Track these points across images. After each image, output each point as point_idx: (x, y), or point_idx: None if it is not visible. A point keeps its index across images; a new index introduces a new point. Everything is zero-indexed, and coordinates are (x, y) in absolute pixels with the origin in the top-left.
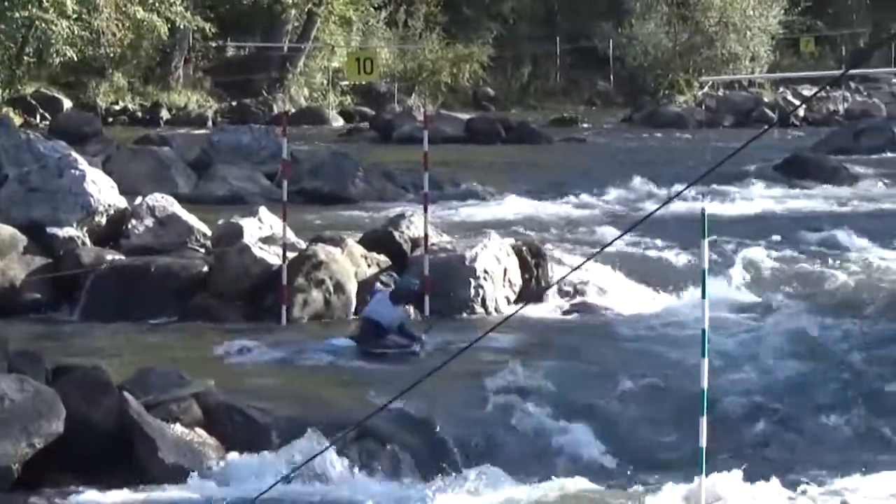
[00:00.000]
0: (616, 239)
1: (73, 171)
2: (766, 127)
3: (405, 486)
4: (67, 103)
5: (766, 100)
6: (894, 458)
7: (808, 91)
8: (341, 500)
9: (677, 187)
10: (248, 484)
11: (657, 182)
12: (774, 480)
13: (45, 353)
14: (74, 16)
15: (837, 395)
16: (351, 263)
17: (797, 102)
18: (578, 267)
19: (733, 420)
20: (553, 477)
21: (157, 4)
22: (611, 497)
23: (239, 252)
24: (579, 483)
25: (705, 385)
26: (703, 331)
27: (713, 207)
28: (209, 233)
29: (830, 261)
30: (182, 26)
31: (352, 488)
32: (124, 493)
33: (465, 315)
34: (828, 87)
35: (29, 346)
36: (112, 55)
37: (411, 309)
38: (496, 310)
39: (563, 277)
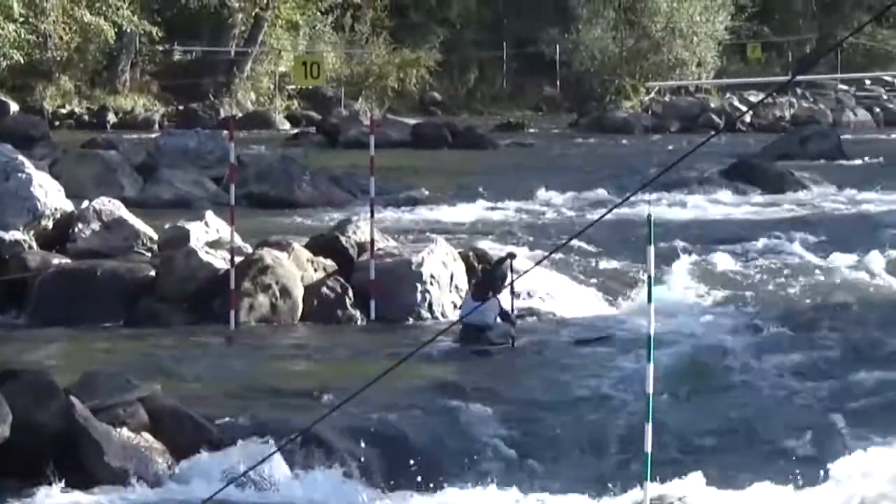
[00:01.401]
0: (563, 245)
1: (19, 174)
2: (712, 133)
3: (351, 491)
4: (14, 107)
5: (712, 105)
6: (839, 463)
7: (754, 97)
8: None
9: (624, 193)
10: (194, 488)
11: (604, 187)
12: (720, 486)
13: None
14: (21, 19)
15: (782, 400)
16: (297, 268)
17: (743, 108)
18: (525, 273)
19: (679, 425)
20: (497, 483)
21: (104, 8)
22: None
23: (185, 256)
24: (523, 490)
25: (650, 390)
26: (649, 336)
27: (660, 213)
28: (156, 237)
29: (775, 267)
30: (129, 30)
31: (298, 494)
32: (70, 497)
33: (411, 320)
34: (774, 94)
35: None
36: (59, 59)
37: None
38: (443, 315)
39: (511, 282)
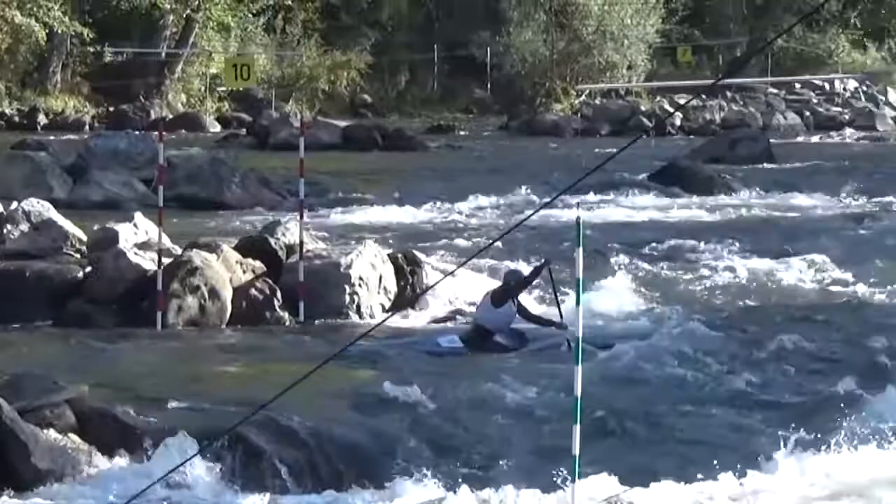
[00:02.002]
0: (488, 245)
1: None
2: (640, 135)
3: (276, 494)
4: None
5: (642, 108)
6: (765, 461)
7: (684, 100)
8: None
9: (553, 195)
10: (121, 489)
11: (533, 190)
12: (648, 486)
13: None
14: None
15: (709, 400)
16: (226, 270)
17: (670, 109)
18: (451, 273)
19: (607, 427)
20: (422, 485)
21: (35, 9)
22: None
23: (114, 257)
24: (448, 491)
25: (579, 392)
26: (577, 339)
27: (589, 216)
28: (85, 238)
29: (704, 270)
30: (60, 31)
31: (222, 493)
32: None
33: (339, 321)
34: (704, 97)
35: None
36: None
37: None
38: (371, 316)
39: (436, 284)
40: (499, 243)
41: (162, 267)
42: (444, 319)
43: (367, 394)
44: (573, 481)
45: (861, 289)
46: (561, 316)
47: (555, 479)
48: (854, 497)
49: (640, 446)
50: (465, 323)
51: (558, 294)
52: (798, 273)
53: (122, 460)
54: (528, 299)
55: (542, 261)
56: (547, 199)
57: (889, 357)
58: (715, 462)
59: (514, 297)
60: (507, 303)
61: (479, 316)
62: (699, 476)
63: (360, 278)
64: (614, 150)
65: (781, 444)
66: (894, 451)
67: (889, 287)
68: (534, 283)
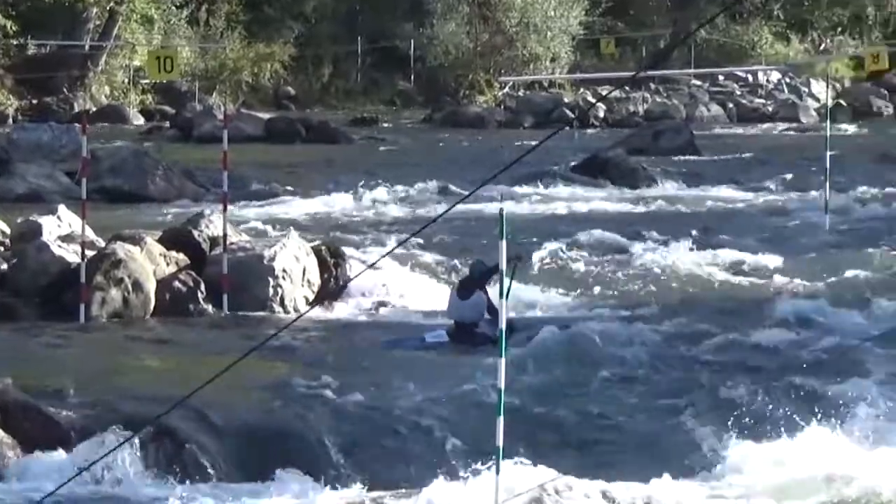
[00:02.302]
0: (409, 238)
1: None
2: (561, 127)
3: (199, 484)
4: None
5: (566, 100)
6: (690, 457)
7: (608, 92)
8: (134, 498)
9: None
10: (43, 481)
11: (456, 182)
12: (570, 480)
13: None
14: None
15: (634, 391)
16: (150, 262)
17: (598, 103)
18: (372, 265)
19: (531, 420)
20: (349, 478)
21: None
22: (405, 497)
23: (37, 250)
24: (373, 483)
25: (502, 385)
26: (501, 331)
27: (513, 208)
28: (8, 230)
29: (626, 261)
30: None
31: (144, 485)
32: None
33: (263, 314)
34: (627, 88)
35: None
36: None
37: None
38: (295, 309)
39: (357, 275)
40: (423, 235)
41: (85, 259)
42: (369, 311)
43: (290, 386)
44: (497, 473)
45: (783, 279)
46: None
47: (479, 471)
48: (783, 489)
49: (566, 439)
50: (394, 314)
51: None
52: (721, 264)
53: (45, 453)
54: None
55: (514, 256)
56: (467, 192)
57: (809, 347)
58: (640, 455)
59: (481, 288)
60: (475, 293)
61: (449, 312)
62: (624, 470)
63: (284, 271)
64: (537, 142)
65: (707, 435)
66: (822, 441)
67: (811, 278)
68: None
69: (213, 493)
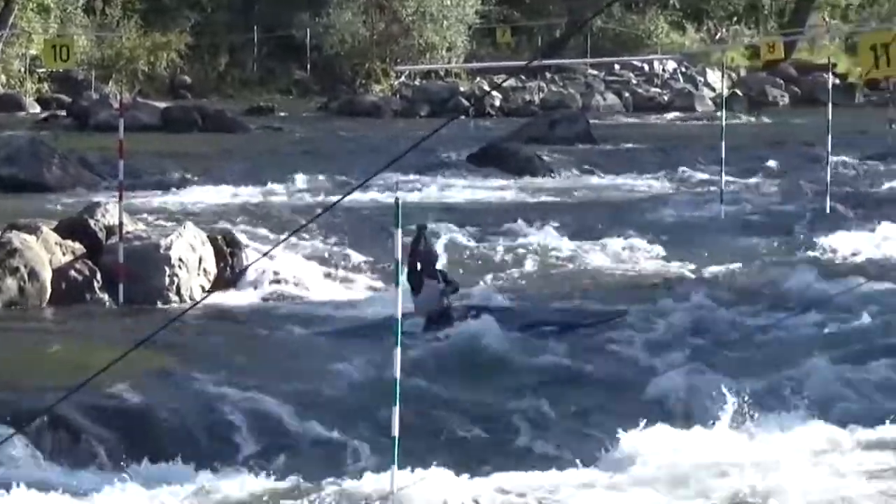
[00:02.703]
0: (304, 226)
1: None
2: (456, 115)
3: (94, 473)
4: None
5: (462, 90)
6: (586, 445)
7: (506, 82)
8: (27, 487)
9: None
10: None
11: (351, 171)
12: (468, 471)
13: None
14: None
15: (529, 382)
16: (45, 251)
17: (494, 92)
18: (267, 253)
19: (428, 409)
20: (242, 467)
21: None
22: (300, 487)
23: None
24: (270, 474)
25: (398, 374)
26: (397, 319)
27: (409, 197)
28: None
29: (523, 250)
30: None
31: (39, 474)
32: None
33: (160, 303)
34: (523, 78)
35: None
36: None
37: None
38: (191, 298)
39: (252, 263)
40: (319, 225)
41: None
42: (266, 300)
43: (184, 375)
44: (394, 462)
45: (677, 268)
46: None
47: (376, 461)
48: (679, 477)
49: (462, 428)
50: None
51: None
52: (617, 253)
53: None
54: None
55: (417, 227)
56: (362, 180)
57: (701, 336)
58: (536, 444)
59: (422, 275)
60: (423, 284)
61: (416, 311)
62: (520, 459)
63: (180, 259)
64: (431, 131)
65: (602, 422)
66: (716, 429)
67: (706, 267)
68: (420, 249)
69: (107, 480)
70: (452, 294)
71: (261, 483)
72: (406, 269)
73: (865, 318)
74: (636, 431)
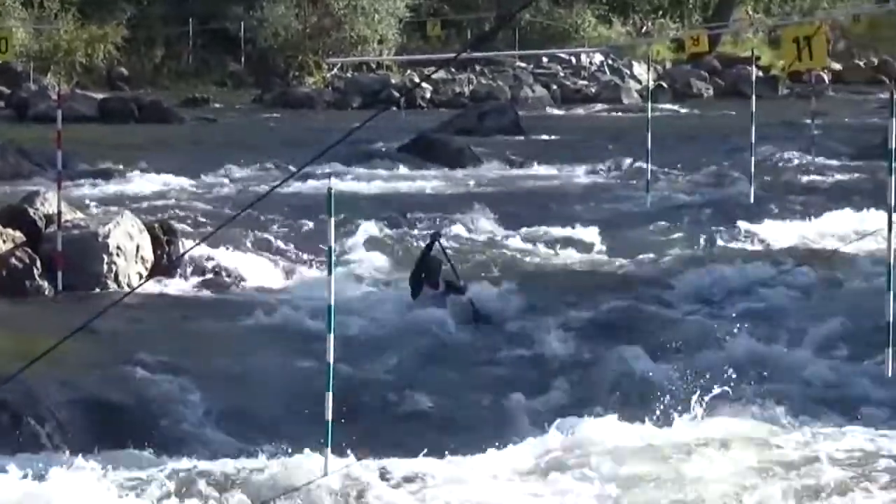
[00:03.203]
0: (237, 215)
1: None
2: (387, 107)
3: (36, 455)
4: None
5: (393, 81)
6: (517, 429)
7: (434, 75)
8: None
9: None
10: None
11: (286, 161)
12: (401, 454)
13: None
14: None
15: (461, 368)
16: None
17: (424, 84)
18: (202, 241)
19: (360, 394)
20: (180, 450)
21: None
22: (235, 469)
23: None
24: (208, 455)
25: (331, 359)
26: (329, 307)
27: (341, 187)
28: None
29: (452, 240)
30: None
31: None
32: None
33: (98, 290)
34: (453, 70)
35: None
36: None
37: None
38: (129, 285)
39: (188, 251)
40: (255, 213)
41: None
42: (201, 287)
43: (122, 360)
44: (327, 446)
45: (603, 256)
46: (458, 279)
47: (309, 445)
48: (616, 460)
49: (394, 414)
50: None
51: (451, 261)
52: (546, 242)
53: None
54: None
55: (430, 235)
56: (296, 170)
57: (628, 319)
58: (467, 428)
59: (423, 282)
60: (421, 291)
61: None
62: (456, 446)
63: (118, 247)
64: (362, 122)
65: (531, 406)
66: (636, 414)
67: (631, 255)
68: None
69: (50, 462)
70: (456, 296)
71: (193, 464)
72: (412, 272)
73: (787, 301)
74: (570, 417)
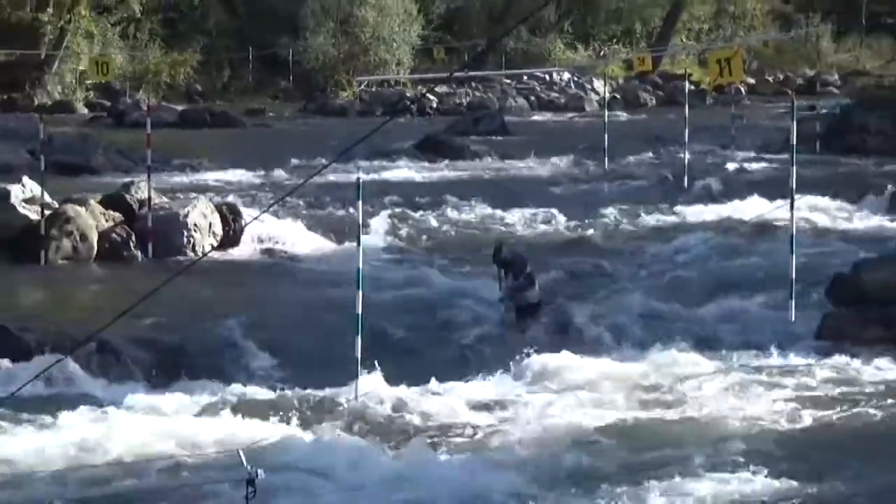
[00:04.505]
0: (283, 197)
1: None
2: (403, 113)
3: (130, 386)
4: None
5: (408, 94)
6: (511, 368)
7: (439, 89)
8: (79, 397)
9: (340, 160)
10: (8, 386)
11: (324, 156)
12: (420, 382)
13: None
14: None
15: (462, 319)
16: (93, 219)
17: (430, 96)
18: (256, 218)
19: (382, 338)
20: (238, 381)
21: None
22: (280, 400)
23: (6, 210)
24: (263, 385)
25: (360, 310)
26: (359, 269)
27: (367, 177)
28: None
29: (457, 218)
30: None
31: (89, 388)
32: None
33: (180, 258)
34: (454, 85)
35: None
36: None
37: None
38: (203, 253)
39: (247, 224)
40: (301, 197)
41: (44, 217)
42: (261, 255)
43: (200, 309)
44: (357, 377)
45: (571, 232)
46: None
47: (343, 377)
48: (597, 390)
49: (411, 353)
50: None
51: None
52: (528, 219)
53: (14, 363)
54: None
55: (495, 246)
56: (336, 164)
57: (588, 277)
58: (479, 365)
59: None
60: (502, 284)
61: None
62: (451, 377)
63: (195, 224)
64: (387, 126)
65: (522, 349)
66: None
67: (593, 231)
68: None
69: (142, 390)
70: (525, 288)
71: (249, 391)
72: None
73: (711, 264)
74: (550, 353)
